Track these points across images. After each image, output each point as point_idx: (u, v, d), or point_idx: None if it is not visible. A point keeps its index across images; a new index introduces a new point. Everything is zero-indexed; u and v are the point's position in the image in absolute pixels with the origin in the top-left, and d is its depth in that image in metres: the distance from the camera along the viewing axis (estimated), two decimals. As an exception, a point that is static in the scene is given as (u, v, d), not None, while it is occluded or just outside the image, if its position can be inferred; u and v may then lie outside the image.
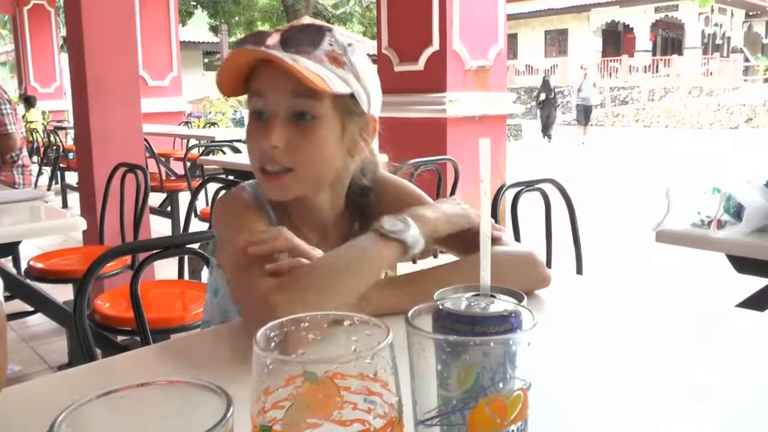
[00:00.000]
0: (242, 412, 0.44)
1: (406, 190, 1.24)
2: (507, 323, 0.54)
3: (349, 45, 1.06)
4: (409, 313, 0.55)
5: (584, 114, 17.45)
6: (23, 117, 9.94)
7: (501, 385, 0.51)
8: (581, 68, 19.11)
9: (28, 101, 11.04)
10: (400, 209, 1.17)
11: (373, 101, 1.10)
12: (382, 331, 0.49)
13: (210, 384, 0.43)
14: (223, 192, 2.14)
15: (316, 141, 1.04)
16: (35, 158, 8.78)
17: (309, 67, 0.99)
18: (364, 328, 0.51)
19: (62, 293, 3.24)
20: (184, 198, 5.25)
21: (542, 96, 18.08)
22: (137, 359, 0.89)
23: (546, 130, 17.96)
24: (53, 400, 0.78)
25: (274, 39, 1.03)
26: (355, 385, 0.46)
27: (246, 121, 1.12)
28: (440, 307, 0.57)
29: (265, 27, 26.48)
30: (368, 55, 1.13)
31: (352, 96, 1.05)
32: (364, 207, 1.19)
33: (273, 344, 0.50)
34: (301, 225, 1.15)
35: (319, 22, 1.10)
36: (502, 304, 0.58)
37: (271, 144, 1.01)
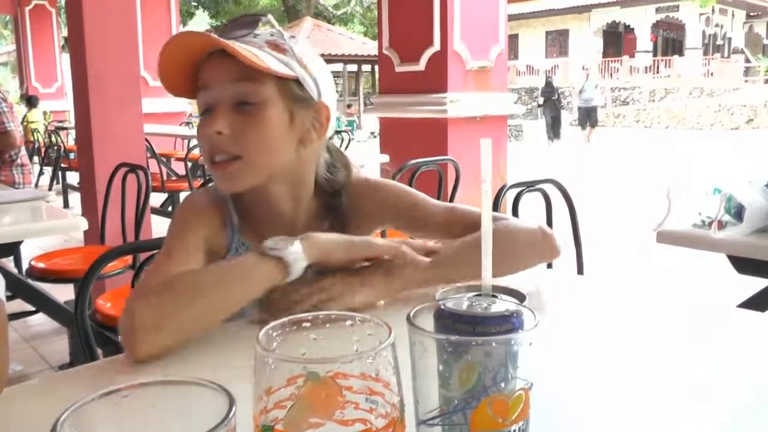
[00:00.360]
0: (244, 411, 0.44)
1: (393, 189, 1.21)
2: (509, 323, 0.54)
3: (292, 37, 1.06)
4: (411, 313, 0.55)
5: (587, 116, 16.65)
6: (24, 117, 9.94)
7: (503, 384, 0.51)
8: (583, 69, 18.48)
9: (30, 101, 11.03)
10: (384, 208, 1.17)
11: (323, 88, 1.08)
12: (384, 331, 0.49)
13: (212, 383, 0.43)
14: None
15: (262, 126, 1.02)
16: (35, 158, 8.78)
17: (246, 47, 0.98)
18: (366, 327, 0.51)
19: (63, 293, 3.24)
20: (185, 198, 5.25)
21: (541, 99, 17.13)
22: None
23: (553, 133, 16.87)
24: (55, 400, 0.78)
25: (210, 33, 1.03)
26: (357, 384, 0.46)
27: None
28: (442, 306, 0.57)
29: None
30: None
31: (298, 82, 1.04)
32: (336, 207, 1.16)
33: (275, 344, 0.50)
34: (264, 227, 1.11)
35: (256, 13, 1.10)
36: (503, 304, 0.58)
37: (215, 129, 1.00)
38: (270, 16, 1.05)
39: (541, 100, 17.21)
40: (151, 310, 0.89)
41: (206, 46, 0.99)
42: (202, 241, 1.07)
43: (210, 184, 1.16)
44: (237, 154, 1.02)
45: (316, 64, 1.08)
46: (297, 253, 0.95)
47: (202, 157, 1.08)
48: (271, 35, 1.04)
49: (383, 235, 2.30)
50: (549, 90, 17.09)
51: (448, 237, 1.13)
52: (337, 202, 1.15)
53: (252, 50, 0.99)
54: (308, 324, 0.52)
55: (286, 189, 1.11)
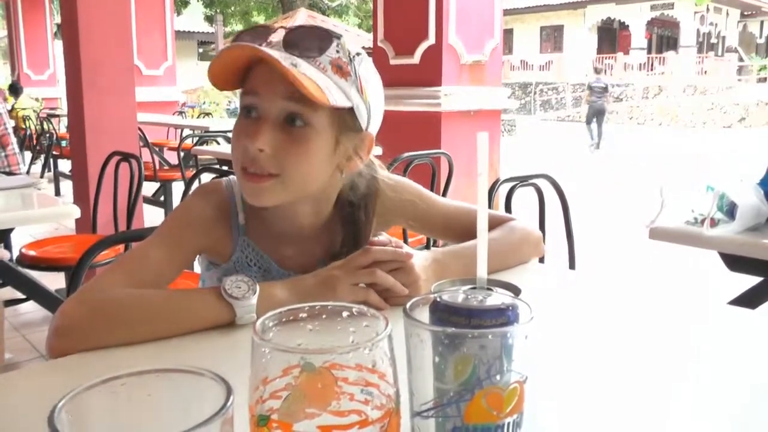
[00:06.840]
0: (241, 401, 0.44)
1: (409, 191, 1.21)
2: (504, 316, 0.55)
3: (357, 54, 1.00)
4: (408, 305, 0.55)
5: None
6: (12, 106, 9.78)
7: (498, 377, 0.51)
8: None
9: (14, 89, 10.69)
10: (399, 210, 1.19)
11: (374, 118, 1.04)
12: (381, 323, 0.49)
13: (210, 373, 0.43)
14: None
15: (305, 151, 0.98)
16: (13, 142, 8.67)
17: (308, 74, 0.93)
18: (363, 319, 0.51)
19: (54, 281, 3.23)
20: (177, 188, 5.24)
21: None
22: (132, 349, 0.88)
23: None
24: (46, 389, 0.78)
25: (277, 36, 0.98)
26: (353, 375, 0.46)
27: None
28: (438, 299, 0.57)
29: (260, 18, 26.37)
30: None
31: (351, 110, 0.99)
32: (354, 219, 1.13)
33: (272, 334, 0.50)
34: (274, 231, 1.10)
35: (327, 26, 1.01)
36: (499, 297, 0.58)
37: (257, 146, 0.95)
38: (343, 39, 0.99)
39: None
40: (82, 328, 0.90)
41: (273, 63, 0.91)
42: (191, 249, 1.08)
43: (224, 179, 1.13)
44: (274, 173, 0.98)
45: (374, 88, 1.03)
46: (250, 308, 0.92)
47: (232, 160, 1.03)
48: (337, 52, 0.98)
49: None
50: None
51: (465, 238, 1.13)
52: (355, 216, 1.13)
53: (315, 74, 0.94)
54: (305, 314, 0.52)
55: (310, 207, 1.09)
